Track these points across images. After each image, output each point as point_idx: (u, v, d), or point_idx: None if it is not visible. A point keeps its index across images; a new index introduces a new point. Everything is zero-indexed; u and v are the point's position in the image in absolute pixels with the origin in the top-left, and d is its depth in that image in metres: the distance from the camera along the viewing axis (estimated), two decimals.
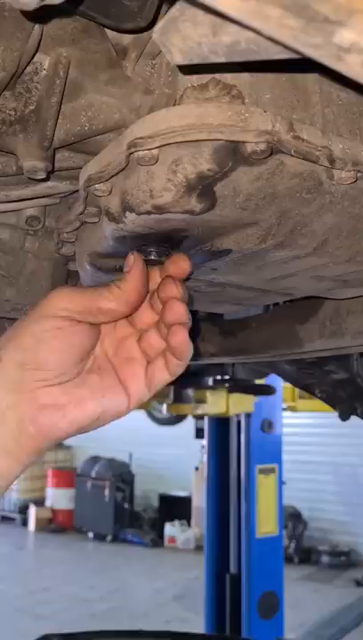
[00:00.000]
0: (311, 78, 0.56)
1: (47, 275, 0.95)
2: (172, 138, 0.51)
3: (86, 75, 0.61)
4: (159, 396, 3.15)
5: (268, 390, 2.56)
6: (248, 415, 3.60)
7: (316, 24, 0.24)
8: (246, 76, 0.53)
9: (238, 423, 3.74)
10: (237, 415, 3.49)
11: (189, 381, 2.24)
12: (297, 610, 5.33)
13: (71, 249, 0.85)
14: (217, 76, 0.53)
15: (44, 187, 0.73)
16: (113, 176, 0.58)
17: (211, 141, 0.51)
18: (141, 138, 0.52)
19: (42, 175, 0.62)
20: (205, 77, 0.54)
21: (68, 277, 0.98)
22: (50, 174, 0.66)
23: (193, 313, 0.62)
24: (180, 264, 0.62)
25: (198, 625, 3.69)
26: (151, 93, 0.64)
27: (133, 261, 0.60)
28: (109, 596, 6.36)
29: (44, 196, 0.76)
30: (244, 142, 0.51)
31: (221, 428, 3.82)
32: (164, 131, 0.51)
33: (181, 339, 0.58)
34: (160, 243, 0.65)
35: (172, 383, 2.69)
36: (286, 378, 1.58)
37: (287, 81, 0.56)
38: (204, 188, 0.54)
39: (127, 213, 0.59)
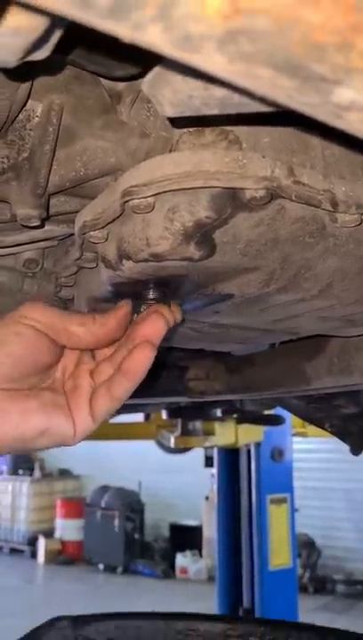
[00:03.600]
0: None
1: None
2: (167, 186, 0.49)
3: (80, 121, 0.60)
4: (169, 426, 3.10)
5: (277, 420, 2.51)
6: (258, 444, 3.53)
7: (312, 83, 0.22)
8: None
9: (248, 452, 3.67)
10: (247, 444, 3.42)
11: (196, 413, 2.20)
12: None
13: (70, 292, 0.83)
14: None
15: (41, 231, 0.71)
16: (108, 223, 0.56)
17: (208, 188, 0.49)
18: (135, 186, 0.50)
19: (36, 223, 0.61)
20: None
21: None
22: (44, 221, 0.65)
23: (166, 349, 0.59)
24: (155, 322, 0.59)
25: None
26: (148, 137, 0.62)
27: (123, 305, 0.59)
28: None
29: (40, 240, 0.74)
30: (242, 189, 0.49)
31: (230, 457, 3.75)
32: (159, 178, 0.49)
33: (145, 356, 0.55)
34: (159, 287, 0.63)
35: (180, 416, 2.63)
36: (295, 412, 1.54)
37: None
38: (202, 235, 0.52)
39: (124, 261, 0.57)
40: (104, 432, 4.20)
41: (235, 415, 2.31)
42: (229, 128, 0.51)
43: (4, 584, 8.42)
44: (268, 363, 1.09)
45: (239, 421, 2.34)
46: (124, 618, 0.99)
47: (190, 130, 0.52)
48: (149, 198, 0.51)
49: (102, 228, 0.57)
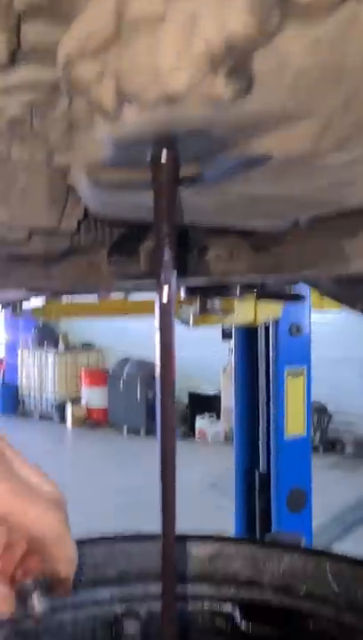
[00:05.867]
0: None
1: (43, 190, 0.79)
2: None
3: None
4: (187, 302, 3.03)
5: (297, 297, 2.41)
6: (276, 320, 3.48)
7: None
8: None
9: (266, 328, 3.64)
10: (266, 321, 3.38)
11: (215, 291, 2.10)
12: (323, 497, 5.54)
13: (65, 158, 0.68)
14: None
15: (17, 77, 0.54)
16: (100, 51, 0.40)
17: None
18: None
19: (2, 58, 0.44)
20: None
21: (68, 192, 0.81)
22: (15, 54, 0.48)
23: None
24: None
25: (232, 511, 3.86)
26: None
27: None
28: (147, 486, 6.73)
29: (18, 88, 0.57)
30: None
31: (248, 332, 3.73)
32: None
33: None
34: (173, 148, 0.48)
35: (198, 293, 2.52)
36: (325, 293, 1.43)
37: None
38: (235, 62, 0.36)
39: (126, 107, 0.41)
40: (123, 307, 4.19)
41: (254, 291, 2.21)
42: None
43: (37, 446, 9.11)
44: (300, 240, 0.95)
45: (259, 298, 2.25)
46: (112, 542, 0.96)
47: None
48: (155, 4, 0.34)
49: (92, 58, 0.41)
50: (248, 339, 3.78)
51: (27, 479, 0.53)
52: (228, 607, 0.95)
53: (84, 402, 10.91)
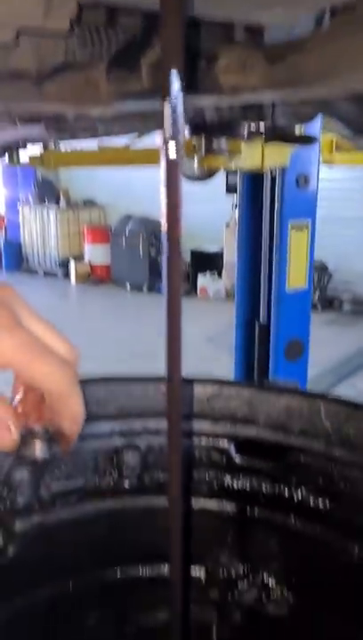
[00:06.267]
0: None
1: None
2: None
3: None
4: (190, 151, 2.88)
5: (308, 140, 2.25)
6: (283, 170, 3.33)
7: None
8: None
9: (272, 179, 3.50)
10: (272, 169, 3.22)
11: (221, 130, 1.95)
12: (321, 349, 5.81)
13: None
14: None
15: None
16: None
17: None
18: None
19: None
20: None
21: None
22: None
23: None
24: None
25: (229, 364, 4.05)
26: None
27: None
28: (148, 338, 6.99)
29: None
30: None
31: (254, 182, 3.60)
32: None
33: None
34: None
35: (204, 131, 2.36)
36: (344, 119, 1.31)
37: None
38: None
39: None
40: (125, 156, 4.00)
41: (262, 133, 2.07)
42: None
43: (43, 301, 9.34)
44: (320, 46, 0.84)
45: (268, 139, 2.10)
46: (113, 382, 0.98)
47: None
48: None
49: None
50: (253, 189, 3.66)
51: (36, 333, 0.50)
52: (224, 443, 0.99)
53: (87, 259, 10.96)
